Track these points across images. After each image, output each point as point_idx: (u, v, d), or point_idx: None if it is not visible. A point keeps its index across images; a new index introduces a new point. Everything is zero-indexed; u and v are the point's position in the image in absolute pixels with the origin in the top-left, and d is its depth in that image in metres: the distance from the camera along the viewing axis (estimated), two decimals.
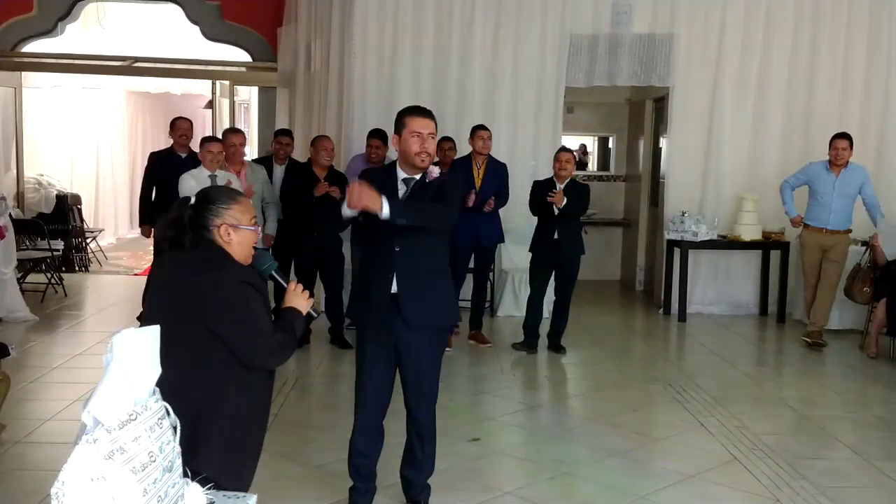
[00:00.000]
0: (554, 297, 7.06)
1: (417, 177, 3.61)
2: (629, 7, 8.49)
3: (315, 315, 2.75)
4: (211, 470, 2.38)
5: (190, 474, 2.34)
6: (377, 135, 7.21)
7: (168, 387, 2.43)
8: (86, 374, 6.02)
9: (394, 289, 3.57)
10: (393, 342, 3.63)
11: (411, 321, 3.57)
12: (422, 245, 3.57)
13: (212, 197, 2.62)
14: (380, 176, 3.67)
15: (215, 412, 2.46)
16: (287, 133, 7.63)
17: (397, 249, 3.55)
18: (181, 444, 2.37)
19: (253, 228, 2.61)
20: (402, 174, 3.63)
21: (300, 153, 9.05)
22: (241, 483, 2.54)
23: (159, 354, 2.35)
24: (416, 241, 3.55)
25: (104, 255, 11.41)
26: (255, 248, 2.67)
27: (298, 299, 2.69)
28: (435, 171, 3.65)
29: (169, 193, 6.50)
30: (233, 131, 7.29)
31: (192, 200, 2.61)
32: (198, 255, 2.56)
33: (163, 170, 7.09)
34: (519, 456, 4.78)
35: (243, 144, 7.03)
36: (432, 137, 3.58)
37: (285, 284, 2.77)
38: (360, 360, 3.74)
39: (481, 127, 7.22)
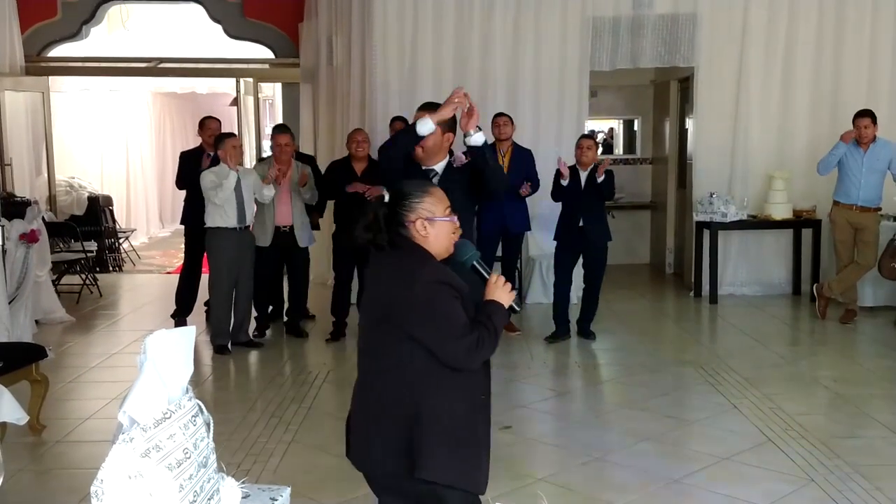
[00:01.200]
0: (583, 284, 7.05)
1: (436, 167, 3.83)
2: None
3: (517, 309, 2.56)
4: (447, 477, 2.37)
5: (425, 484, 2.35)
6: (399, 120, 7.31)
7: (383, 397, 2.44)
8: (122, 372, 6.13)
9: None
10: None
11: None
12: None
13: (404, 192, 2.50)
14: (412, 163, 3.89)
15: (432, 416, 2.39)
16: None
17: None
18: (404, 457, 2.38)
19: (449, 219, 2.49)
20: (422, 165, 3.86)
21: (324, 148, 9.13)
22: (479, 485, 2.48)
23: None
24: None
25: (137, 255, 11.56)
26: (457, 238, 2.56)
27: (500, 292, 2.53)
28: (462, 159, 3.85)
29: (198, 191, 6.60)
30: (280, 130, 7.16)
31: (387, 198, 2.51)
32: (396, 256, 2.47)
33: (193, 168, 7.17)
34: (551, 442, 4.80)
35: (289, 144, 6.96)
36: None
37: (487, 276, 2.60)
38: None
39: (499, 114, 7.23)
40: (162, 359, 1.59)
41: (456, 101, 3.68)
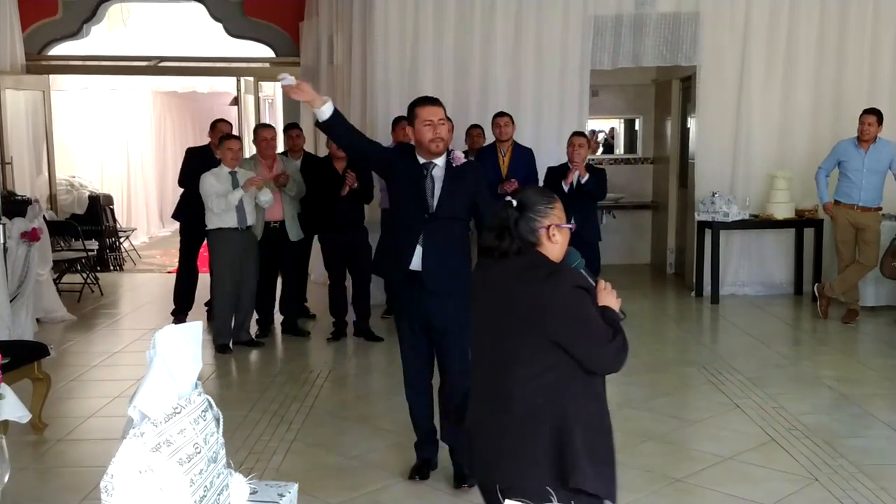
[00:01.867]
0: None
1: (437, 161, 3.89)
2: None
3: (623, 316, 2.56)
4: (588, 484, 2.33)
5: (570, 495, 2.28)
6: (403, 119, 7.28)
7: (523, 408, 2.38)
8: (124, 371, 6.12)
9: (416, 263, 3.86)
10: (423, 312, 3.92)
11: (432, 286, 3.84)
12: (446, 221, 3.88)
13: (535, 199, 2.50)
14: (406, 156, 3.97)
15: (577, 424, 2.37)
16: (296, 126, 7.71)
17: (426, 217, 3.86)
18: (551, 466, 2.33)
19: (570, 226, 2.52)
20: (421, 160, 3.92)
21: (324, 146, 9.11)
22: (615, 495, 2.45)
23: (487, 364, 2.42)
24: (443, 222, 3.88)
25: (137, 254, 11.55)
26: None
27: (610, 297, 2.54)
28: (461, 157, 3.95)
29: (197, 190, 6.59)
30: (263, 126, 7.34)
31: (514, 204, 2.49)
32: (524, 262, 2.45)
33: (198, 166, 7.16)
34: None
35: (274, 139, 7.07)
36: (442, 123, 3.84)
37: (594, 283, 2.59)
38: (399, 332, 4.14)
39: (499, 114, 7.23)
40: (171, 354, 1.58)
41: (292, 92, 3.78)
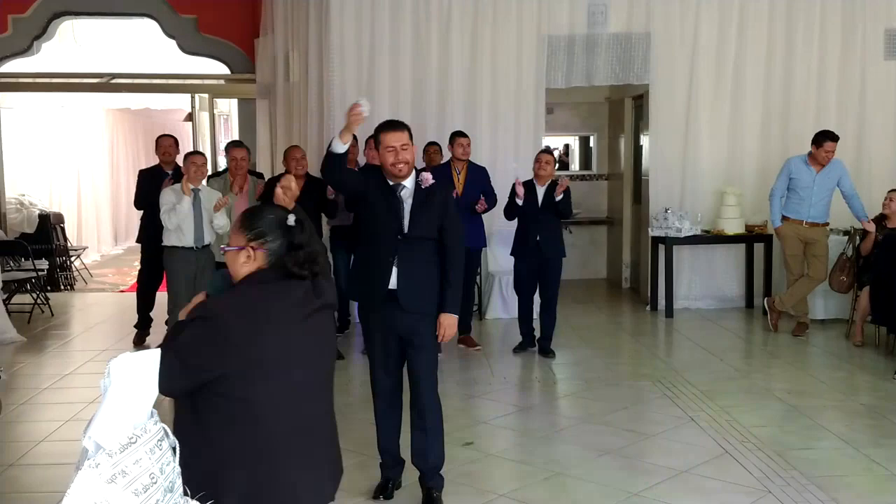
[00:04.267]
0: (539, 300, 7.11)
1: (405, 182, 3.96)
2: (604, 7, 8.56)
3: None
4: None
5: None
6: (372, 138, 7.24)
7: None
8: (76, 393, 6.01)
9: (393, 282, 3.91)
10: (399, 330, 3.99)
11: (408, 305, 3.92)
12: (417, 241, 3.96)
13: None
14: (375, 175, 4.04)
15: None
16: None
17: (399, 238, 3.94)
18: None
19: (233, 248, 2.38)
20: (389, 182, 3.98)
21: (281, 164, 9.07)
22: None
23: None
24: (416, 243, 3.96)
25: (89, 273, 11.36)
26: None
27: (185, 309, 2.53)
28: (429, 179, 4.01)
29: (155, 210, 6.52)
30: (235, 144, 7.17)
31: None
32: None
33: (150, 186, 7.10)
34: (513, 458, 4.81)
35: (245, 158, 6.91)
36: (405, 148, 3.91)
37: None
38: (370, 353, 4.18)
39: (460, 134, 7.26)
40: (126, 383, 1.57)
41: (353, 115, 3.77)
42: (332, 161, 3.89)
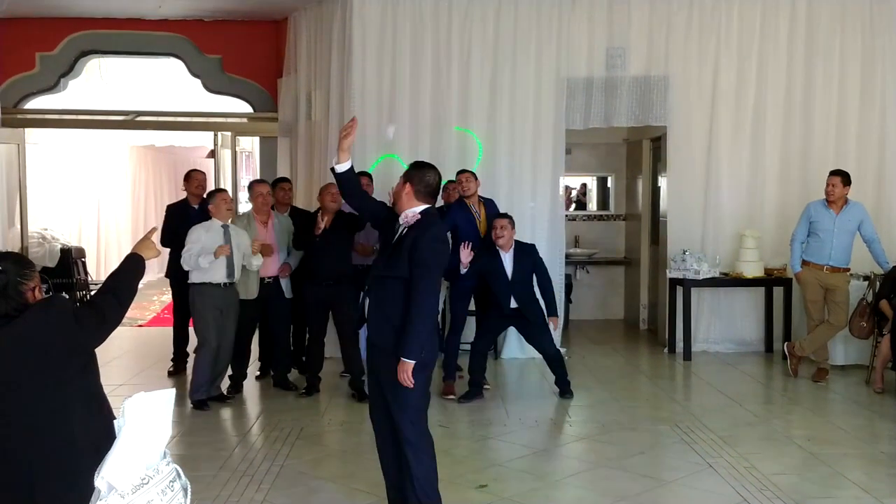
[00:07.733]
0: (540, 355, 7.04)
1: (401, 218, 4.08)
2: (623, 50, 8.62)
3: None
4: None
5: None
6: (364, 175, 7.33)
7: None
8: None
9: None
10: (370, 363, 4.17)
11: (371, 337, 4.08)
12: (390, 279, 4.00)
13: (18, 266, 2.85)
14: (392, 213, 4.21)
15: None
16: (286, 180, 7.70)
17: (376, 271, 4.09)
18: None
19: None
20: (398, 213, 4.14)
21: (302, 200, 9.16)
22: None
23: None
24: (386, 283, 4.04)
25: None
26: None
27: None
28: (413, 216, 4.02)
29: (182, 245, 6.56)
30: (258, 182, 7.26)
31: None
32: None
33: (178, 222, 7.18)
34: (527, 502, 4.76)
35: (269, 194, 7.02)
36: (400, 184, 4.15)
37: None
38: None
39: (461, 171, 7.32)
40: (140, 423, 1.58)
41: (342, 132, 4.09)
42: (338, 183, 4.16)
